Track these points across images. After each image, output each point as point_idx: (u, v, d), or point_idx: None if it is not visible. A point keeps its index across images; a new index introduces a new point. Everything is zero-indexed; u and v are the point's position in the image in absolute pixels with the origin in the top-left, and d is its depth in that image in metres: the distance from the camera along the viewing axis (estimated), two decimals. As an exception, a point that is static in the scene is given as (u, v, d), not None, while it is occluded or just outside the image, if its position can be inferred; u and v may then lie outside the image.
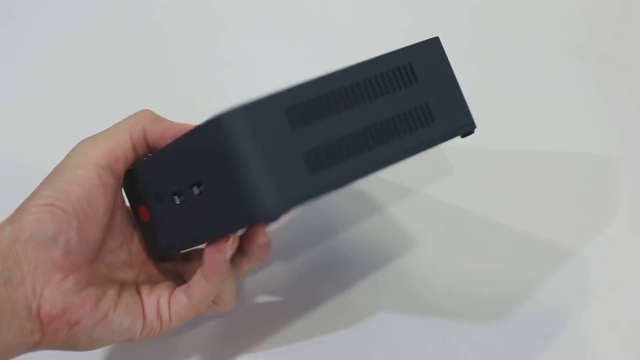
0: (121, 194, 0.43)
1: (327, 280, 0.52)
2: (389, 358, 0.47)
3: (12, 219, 0.39)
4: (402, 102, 0.40)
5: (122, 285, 0.43)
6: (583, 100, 0.61)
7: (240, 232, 0.43)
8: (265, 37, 0.64)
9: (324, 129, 0.37)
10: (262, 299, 0.52)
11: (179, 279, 0.46)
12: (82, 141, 0.42)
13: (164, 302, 0.43)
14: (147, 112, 0.43)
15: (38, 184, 0.41)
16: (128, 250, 0.44)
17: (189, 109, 0.52)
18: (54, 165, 0.41)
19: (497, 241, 0.53)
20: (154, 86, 0.60)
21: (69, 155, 0.41)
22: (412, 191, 0.55)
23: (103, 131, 0.42)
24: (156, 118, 0.43)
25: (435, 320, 0.49)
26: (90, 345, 0.41)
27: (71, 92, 0.60)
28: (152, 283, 0.44)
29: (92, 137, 0.42)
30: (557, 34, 0.64)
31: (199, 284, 0.42)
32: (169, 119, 0.43)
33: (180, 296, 0.43)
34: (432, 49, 0.41)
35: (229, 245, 0.40)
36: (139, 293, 0.43)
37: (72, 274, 0.39)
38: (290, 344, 0.48)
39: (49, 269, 0.38)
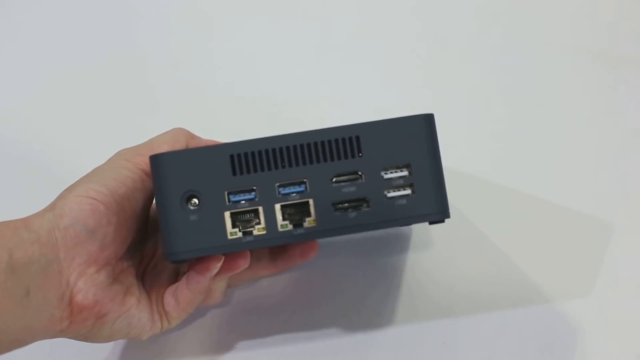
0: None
1: (326, 279, 0.52)
2: (389, 358, 0.47)
3: (53, 206, 0.41)
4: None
5: (138, 281, 0.44)
6: (600, 102, 0.60)
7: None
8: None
9: None
10: (260, 298, 0.52)
11: (174, 273, 0.47)
12: (124, 149, 0.43)
13: (160, 301, 0.44)
14: (183, 130, 0.45)
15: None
16: (143, 249, 0.46)
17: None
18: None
19: (498, 242, 0.53)
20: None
21: (111, 160, 0.43)
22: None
23: (143, 143, 0.44)
24: (193, 135, 0.45)
25: (435, 320, 0.49)
26: (108, 338, 0.42)
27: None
28: (153, 280, 0.46)
29: (133, 147, 0.44)
30: (575, 35, 0.64)
31: (184, 292, 0.43)
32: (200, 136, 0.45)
33: (169, 298, 0.44)
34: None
35: (216, 266, 0.42)
36: (145, 290, 0.45)
37: (105, 267, 0.41)
38: (290, 344, 0.48)
39: (85, 261, 0.40)
